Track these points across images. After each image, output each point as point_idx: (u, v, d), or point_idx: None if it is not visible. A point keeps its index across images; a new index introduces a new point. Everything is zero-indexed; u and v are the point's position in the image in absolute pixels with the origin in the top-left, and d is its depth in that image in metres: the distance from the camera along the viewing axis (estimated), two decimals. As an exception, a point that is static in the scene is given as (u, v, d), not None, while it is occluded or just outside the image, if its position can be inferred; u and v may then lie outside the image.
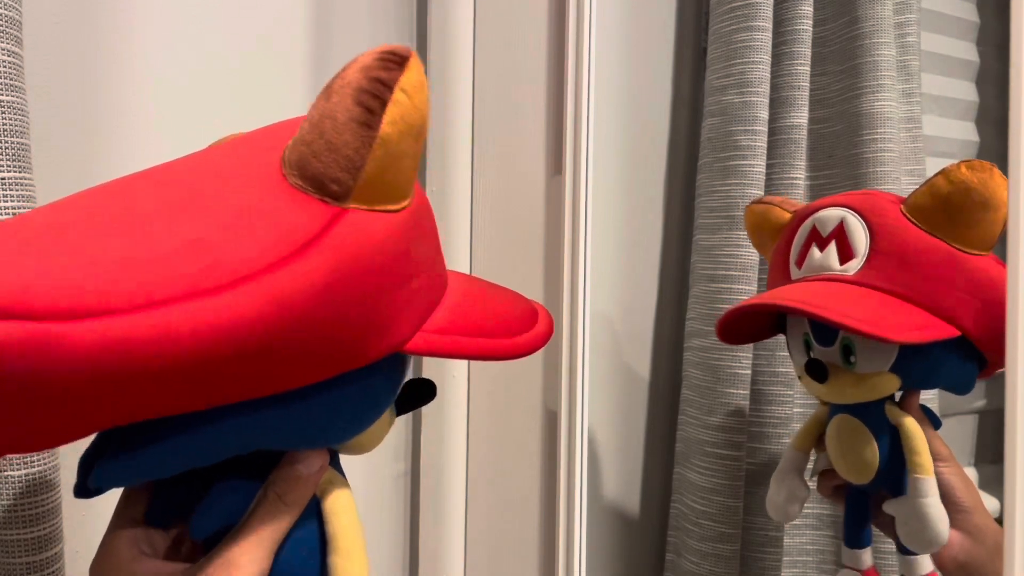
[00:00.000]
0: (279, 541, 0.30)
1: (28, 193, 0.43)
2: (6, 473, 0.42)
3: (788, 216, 0.53)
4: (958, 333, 0.45)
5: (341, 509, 0.32)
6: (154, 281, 0.23)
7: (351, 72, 0.27)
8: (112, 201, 0.27)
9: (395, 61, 0.27)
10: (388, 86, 0.27)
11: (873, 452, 0.48)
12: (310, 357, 0.27)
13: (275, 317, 0.24)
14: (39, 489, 0.43)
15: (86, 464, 0.30)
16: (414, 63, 0.27)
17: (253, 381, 0.26)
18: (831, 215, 0.49)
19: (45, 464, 0.43)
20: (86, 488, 0.30)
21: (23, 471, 0.42)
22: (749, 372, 0.65)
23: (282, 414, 0.28)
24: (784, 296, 0.48)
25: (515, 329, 0.34)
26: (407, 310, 0.30)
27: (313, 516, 0.32)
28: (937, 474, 0.46)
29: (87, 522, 0.54)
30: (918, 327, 0.44)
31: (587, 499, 0.61)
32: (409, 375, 0.35)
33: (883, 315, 0.44)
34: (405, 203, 0.30)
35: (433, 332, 0.32)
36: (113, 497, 0.32)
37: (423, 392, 0.36)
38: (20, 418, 0.23)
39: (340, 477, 0.34)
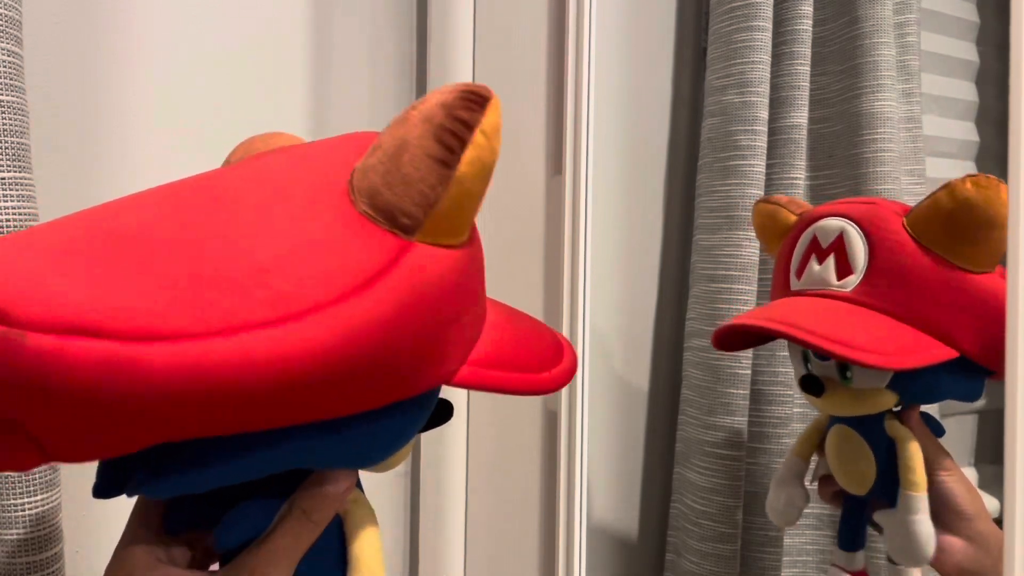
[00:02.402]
0: (300, 556, 0.31)
1: (28, 193, 0.43)
2: (6, 473, 0.42)
3: (794, 218, 0.53)
4: (956, 354, 0.44)
5: (363, 529, 0.33)
6: (231, 308, 0.23)
7: (432, 107, 0.27)
8: (171, 213, 0.27)
9: (477, 101, 0.27)
10: (470, 127, 0.27)
11: (870, 465, 0.48)
12: (369, 386, 0.27)
13: (343, 347, 0.25)
14: (39, 489, 0.43)
15: (111, 468, 0.30)
16: (494, 105, 0.28)
17: (312, 407, 0.26)
18: (832, 225, 0.49)
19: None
20: (106, 489, 0.30)
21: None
22: (749, 372, 0.65)
23: (328, 438, 0.29)
24: (776, 318, 0.47)
25: (546, 363, 0.35)
26: (458, 342, 0.31)
27: (335, 534, 0.32)
28: (940, 482, 0.46)
29: (87, 522, 0.54)
30: (913, 351, 0.43)
31: (587, 499, 0.61)
32: None
33: (877, 339, 0.43)
34: (464, 238, 0.30)
35: (474, 365, 0.32)
36: (116, 498, 0.32)
37: (441, 412, 0.36)
38: (87, 432, 0.23)
39: (363, 496, 0.34)
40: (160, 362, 0.22)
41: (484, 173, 0.28)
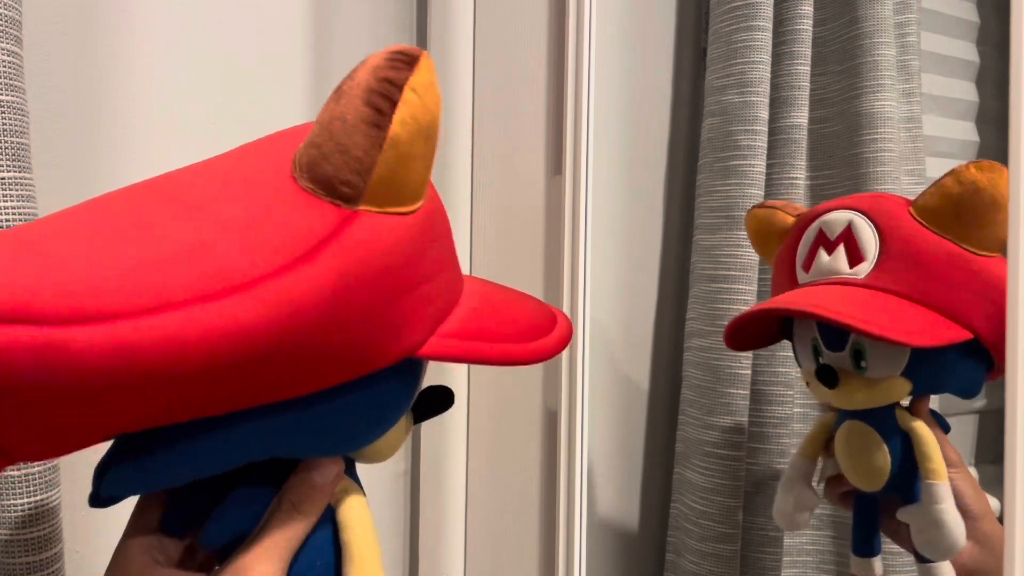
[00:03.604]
0: (294, 550, 0.30)
1: (28, 193, 0.43)
2: (6, 473, 0.42)
3: (791, 220, 0.53)
4: (971, 336, 0.44)
5: (356, 519, 0.32)
6: (161, 285, 0.23)
7: (360, 73, 0.27)
8: (121, 208, 0.27)
9: (404, 61, 0.27)
10: (397, 86, 0.26)
11: (884, 458, 0.48)
12: (321, 361, 0.27)
13: (285, 321, 0.24)
14: (39, 489, 0.43)
15: (101, 472, 0.30)
16: (424, 63, 0.27)
17: (265, 386, 0.26)
18: (839, 218, 0.49)
19: (45, 464, 0.43)
20: (101, 496, 0.30)
21: (23, 471, 0.42)
22: (749, 372, 0.65)
23: (295, 420, 0.28)
24: (797, 301, 0.47)
25: (532, 334, 0.34)
26: (420, 314, 0.30)
27: (328, 525, 0.32)
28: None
29: (87, 522, 0.54)
30: (932, 330, 0.44)
31: (587, 499, 0.61)
32: (424, 381, 0.35)
33: (897, 318, 0.44)
34: (417, 205, 0.29)
35: (447, 337, 0.31)
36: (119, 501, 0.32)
37: (441, 400, 0.36)
38: (31, 425, 0.23)
39: (355, 486, 0.33)
40: (85, 343, 0.21)
41: (421, 132, 0.27)
